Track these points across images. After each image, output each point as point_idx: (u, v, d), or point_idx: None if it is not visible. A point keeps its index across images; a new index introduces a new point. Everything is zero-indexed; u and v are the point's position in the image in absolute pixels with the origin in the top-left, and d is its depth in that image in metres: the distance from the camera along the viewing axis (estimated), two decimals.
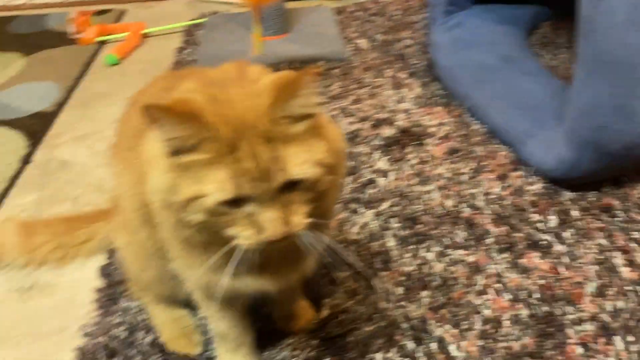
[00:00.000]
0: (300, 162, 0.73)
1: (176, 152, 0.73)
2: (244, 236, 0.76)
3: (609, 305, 1.17)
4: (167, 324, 1.16)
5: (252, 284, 0.88)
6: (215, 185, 0.72)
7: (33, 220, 1.41)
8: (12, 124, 1.92)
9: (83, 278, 1.34)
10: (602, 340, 1.11)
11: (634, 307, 1.16)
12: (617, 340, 1.10)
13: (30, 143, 1.82)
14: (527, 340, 1.11)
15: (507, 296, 1.20)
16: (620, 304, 1.17)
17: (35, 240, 1.33)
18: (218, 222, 0.75)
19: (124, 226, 1.09)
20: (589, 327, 1.13)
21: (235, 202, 0.73)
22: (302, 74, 0.72)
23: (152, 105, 0.69)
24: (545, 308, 1.17)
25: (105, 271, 1.33)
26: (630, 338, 1.10)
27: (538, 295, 1.20)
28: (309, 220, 0.77)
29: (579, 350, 1.09)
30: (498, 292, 1.21)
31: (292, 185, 0.74)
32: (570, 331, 1.13)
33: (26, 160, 1.74)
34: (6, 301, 1.30)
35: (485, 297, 1.20)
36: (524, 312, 1.17)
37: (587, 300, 1.19)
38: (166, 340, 1.14)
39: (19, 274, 1.35)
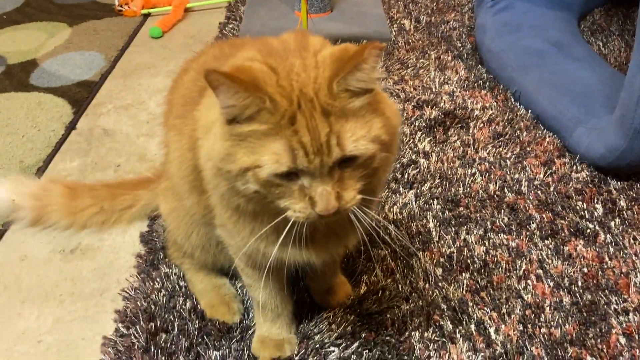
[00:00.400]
0: (357, 137, 0.72)
1: (234, 120, 0.72)
2: (295, 209, 0.75)
3: None
4: (207, 292, 1.17)
5: (298, 256, 0.88)
6: (271, 157, 0.71)
7: (78, 184, 1.43)
8: (58, 91, 1.95)
9: (124, 243, 1.36)
10: None
11: None
12: None
13: (74, 111, 1.85)
14: (569, 327, 1.09)
15: (550, 282, 1.18)
16: None
17: (80, 203, 1.35)
18: (271, 193, 0.75)
19: (171, 192, 1.10)
20: (634, 317, 1.10)
21: (290, 174, 0.73)
22: (365, 47, 0.71)
23: (213, 71, 0.68)
24: (589, 296, 1.15)
25: (146, 238, 1.34)
26: None
27: (581, 284, 1.17)
28: (360, 196, 0.77)
29: (622, 340, 1.07)
30: (540, 278, 1.19)
31: (346, 161, 0.74)
32: (614, 321, 1.10)
33: (71, 127, 1.77)
34: (50, 261, 1.33)
35: (526, 282, 1.18)
36: (567, 300, 1.15)
37: (633, 290, 1.16)
38: (205, 307, 1.15)
39: (63, 235, 1.38)
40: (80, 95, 1.92)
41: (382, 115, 0.76)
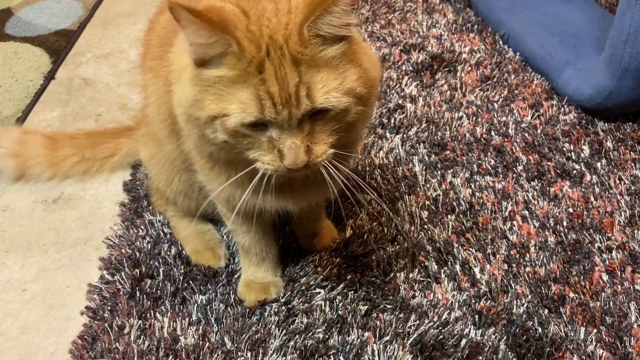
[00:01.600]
0: (329, 89, 0.70)
1: (201, 62, 0.70)
2: (264, 160, 0.74)
3: (639, 235, 1.14)
4: (192, 237, 1.17)
5: (273, 203, 0.88)
6: (237, 106, 0.70)
7: (58, 133, 1.41)
8: (35, 41, 1.89)
9: (107, 192, 1.34)
10: (630, 268, 1.09)
11: None
12: None
13: (53, 60, 1.80)
14: (553, 266, 1.10)
15: (535, 223, 1.18)
16: None
17: (61, 153, 1.32)
18: (239, 143, 0.74)
19: (151, 138, 1.08)
20: (617, 255, 1.11)
21: (258, 125, 0.71)
22: None
23: (178, 4, 0.65)
24: (573, 236, 1.15)
25: (129, 186, 1.33)
26: None
27: (566, 223, 1.18)
28: (332, 151, 0.75)
29: (605, 277, 1.08)
30: (525, 219, 1.19)
31: (318, 113, 0.72)
32: (597, 259, 1.11)
33: (50, 77, 1.73)
34: (33, 211, 1.31)
35: (512, 223, 1.18)
36: (552, 239, 1.15)
37: (617, 229, 1.16)
38: (190, 253, 1.15)
39: (45, 186, 1.36)
40: (58, 45, 1.87)
41: (359, 67, 0.73)
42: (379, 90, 1.53)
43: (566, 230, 1.16)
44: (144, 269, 1.12)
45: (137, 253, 1.15)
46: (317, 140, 0.73)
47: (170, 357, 0.98)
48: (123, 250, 1.16)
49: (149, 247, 1.17)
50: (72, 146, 1.34)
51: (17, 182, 1.36)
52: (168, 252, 1.15)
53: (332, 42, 0.70)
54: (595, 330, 0.99)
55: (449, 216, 1.20)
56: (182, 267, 1.12)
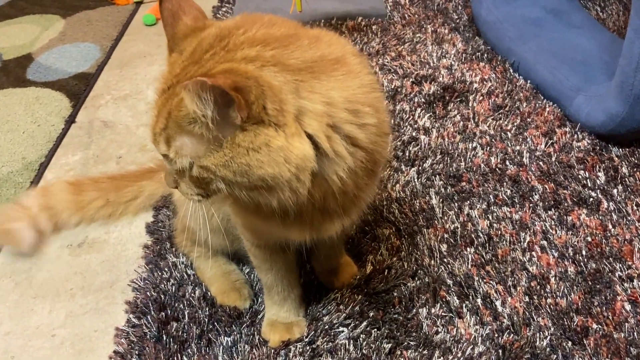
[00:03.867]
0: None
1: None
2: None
3: None
4: (217, 278, 1.18)
5: (293, 234, 0.89)
6: None
7: (81, 179, 1.44)
8: (55, 85, 1.95)
9: (131, 235, 1.37)
10: None
11: None
12: None
13: (73, 104, 1.85)
14: (574, 296, 1.10)
15: (554, 253, 1.19)
16: None
17: (85, 197, 1.36)
18: None
19: None
20: (639, 284, 1.11)
21: None
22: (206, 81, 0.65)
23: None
24: (593, 265, 1.16)
25: (152, 228, 1.35)
26: None
27: (585, 253, 1.18)
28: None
29: (628, 307, 1.08)
30: (544, 249, 1.20)
31: None
32: (618, 288, 1.11)
33: (70, 120, 1.77)
34: (59, 257, 1.34)
35: (531, 254, 1.19)
36: (571, 269, 1.15)
37: (637, 257, 1.16)
38: (216, 294, 1.17)
39: (70, 232, 1.39)
40: (77, 88, 1.92)
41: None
42: (393, 123, 1.56)
43: (585, 260, 1.17)
44: (169, 311, 1.14)
45: (162, 296, 1.17)
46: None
47: None
48: (148, 293, 1.19)
49: (174, 289, 1.19)
50: (96, 190, 1.37)
51: (54, 233, 1.39)
52: (192, 294, 1.17)
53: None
54: None
55: (468, 249, 1.21)
56: (207, 309, 1.14)
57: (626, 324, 1.05)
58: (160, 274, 1.23)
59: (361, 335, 1.06)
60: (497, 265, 1.18)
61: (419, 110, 1.60)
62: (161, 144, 0.73)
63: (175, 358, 1.06)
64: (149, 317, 1.13)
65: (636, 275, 1.13)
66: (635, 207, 1.27)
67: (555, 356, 1.01)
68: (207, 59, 0.72)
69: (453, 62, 1.78)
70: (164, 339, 1.09)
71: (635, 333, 1.03)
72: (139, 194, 1.38)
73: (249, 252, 1.05)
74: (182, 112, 0.69)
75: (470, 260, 1.19)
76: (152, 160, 1.51)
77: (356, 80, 0.76)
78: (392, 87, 1.70)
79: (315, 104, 0.70)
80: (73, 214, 1.35)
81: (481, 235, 1.24)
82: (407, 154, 1.47)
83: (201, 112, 0.66)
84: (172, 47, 0.80)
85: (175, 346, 1.08)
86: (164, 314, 1.13)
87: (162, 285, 1.20)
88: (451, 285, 1.15)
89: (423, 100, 1.64)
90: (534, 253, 1.19)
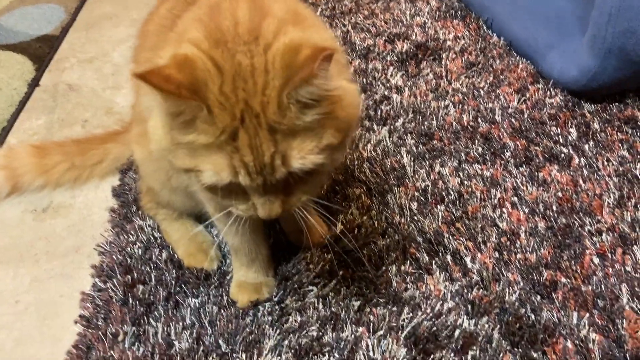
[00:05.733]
0: (305, 153, 0.68)
1: (175, 116, 0.67)
2: (238, 207, 0.76)
3: (628, 216, 1.15)
4: (184, 240, 1.16)
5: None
6: (211, 168, 0.68)
7: (46, 142, 1.40)
8: (17, 48, 1.88)
9: (97, 199, 1.34)
10: (620, 250, 1.09)
11: None
12: (636, 250, 1.09)
13: (36, 67, 1.78)
14: (544, 251, 1.10)
15: (525, 209, 1.18)
16: None
17: (49, 160, 1.31)
18: (215, 191, 0.74)
19: (143, 139, 1.07)
20: (607, 238, 1.11)
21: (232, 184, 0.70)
22: (314, 58, 0.62)
23: (143, 75, 0.62)
24: (563, 220, 1.15)
25: (118, 192, 1.32)
26: None
27: (556, 208, 1.18)
28: (306, 196, 0.76)
29: (596, 260, 1.08)
30: (515, 205, 1.19)
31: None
32: (587, 242, 1.11)
33: (34, 84, 1.72)
34: (23, 222, 1.30)
35: (501, 210, 1.18)
36: (542, 225, 1.15)
37: (606, 211, 1.16)
38: (182, 256, 1.14)
39: (34, 195, 1.35)
40: (41, 51, 1.85)
41: (337, 119, 0.69)
42: (365, 82, 1.53)
43: (556, 215, 1.16)
44: (135, 275, 1.12)
45: (129, 259, 1.15)
46: (292, 192, 0.73)
47: None
48: (114, 256, 1.16)
49: (140, 252, 1.17)
50: (61, 153, 1.33)
51: (10, 196, 1.35)
52: (159, 257, 1.15)
53: (312, 106, 0.66)
54: (587, 315, 0.99)
55: (438, 206, 1.20)
56: (174, 271, 1.12)
57: (594, 277, 1.05)
58: (126, 237, 1.20)
59: (330, 294, 1.05)
60: (467, 222, 1.17)
61: (391, 68, 1.57)
62: (278, 169, 0.68)
63: (142, 320, 1.04)
64: (114, 280, 1.11)
65: (605, 229, 1.13)
66: (605, 163, 1.27)
67: (524, 310, 1.01)
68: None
69: (426, 20, 1.75)
70: (130, 302, 1.07)
71: (602, 286, 1.04)
72: (105, 157, 1.34)
73: (212, 217, 1.03)
74: (292, 112, 0.66)
75: (440, 217, 1.18)
76: (118, 122, 1.47)
77: (327, 32, 0.79)
78: (365, 45, 1.66)
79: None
80: (37, 177, 1.31)
81: (452, 192, 1.23)
82: (378, 113, 1.44)
83: (320, 89, 0.65)
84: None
85: (142, 309, 1.06)
86: (130, 277, 1.11)
87: (129, 249, 1.17)
88: (421, 242, 1.14)
89: (396, 58, 1.61)
90: (504, 209, 1.19)
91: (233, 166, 0.67)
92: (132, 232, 1.21)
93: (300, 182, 0.72)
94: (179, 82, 0.63)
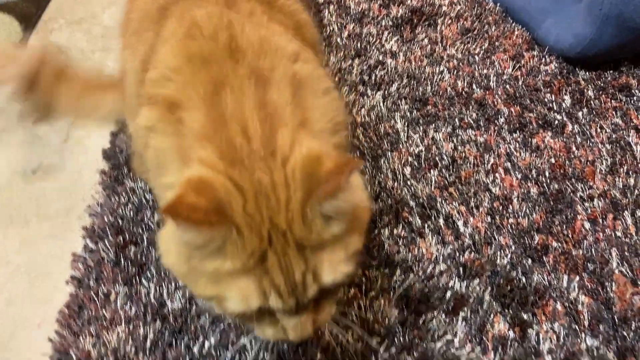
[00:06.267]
0: (335, 265, 0.63)
1: (200, 247, 0.61)
2: (265, 332, 0.70)
3: (620, 183, 1.15)
4: None
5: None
6: (238, 295, 0.62)
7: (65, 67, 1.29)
8: (4, 8, 1.83)
9: (87, 161, 1.32)
10: (611, 216, 1.10)
11: None
12: (626, 216, 1.09)
13: (24, 27, 1.74)
14: (536, 216, 1.11)
15: (517, 175, 1.18)
16: (632, 181, 1.15)
17: (62, 87, 1.21)
18: (238, 316, 0.68)
19: (129, 110, 1.05)
20: (599, 203, 1.12)
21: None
22: (341, 172, 0.58)
23: (169, 209, 0.57)
24: (556, 186, 1.16)
25: (109, 154, 1.30)
26: (639, 213, 1.09)
27: (548, 174, 1.18)
28: (335, 308, 0.72)
29: (587, 225, 1.09)
30: (508, 171, 1.19)
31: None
32: (579, 208, 1.12)
33: (22, 45, 1.68)
34: (11, 184, 1.29)
35: (494, 176, 1.19)
36: (534, 190, 1.15)
37: (598, 177, 1.17)
38: None
39: (23, 157, 1.33)
40: (28, 11, 1.81)
41: (359, 221, 0.66)
42: (360, 47, 1.51)
43: (548, 181, 1.17)
44: (127, 236, 1.11)
45: (120, 220, 1.14)
46: (321, 308, 0.69)
47: (158, 321, 0.98)
48: (105, 218, 1.15)
49: (132, 214, 1.16)
50: (73, 86, 1.23)
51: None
52: (151, 219, 1.14)
53: (336, 219, 0.62)
54: (577, 278, 1.00)
55: (431, 171, 1.20)
56: None
57: (585, 241, 1.06)
58: (117, 199, 1.19)
59: None
60: (460, 187, 1.17)
61: (386, 33, 1.55)
62: (310, 287, 0.63)
63: (134, 280, 1.04)
64: (106, 241, 1.10)
65: (597, 195, 1.13)
66: (599, 130, 1.27)
67: (515, 273, 1.02)
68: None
69: None
70: (122, 262, 1.07)
71: (593, 250, 1.04)
72: (101, 105, 1.29)
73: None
74: (317, 225, 0.61)
75: (433, 182, 1.18)
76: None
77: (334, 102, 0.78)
78: (359, 9, 1.64)
79: None
80: (47, 94, 1.20)
81: (445, 157, 1.23)
82: (373, 78, 1.43)
83: (345, 202, 0.61)
84: None
85: (134, 269, 1.06)
86: (121, 238, 1.11)
87: (120, 210, 1.16)
88: (414, 206, 1.14)
89: (391, 23, 1.58)
90: (497, 175, 1.19)
91: (263, 290, 0.62)
92: (124, 194, 1.20)
93: (328, 294, 0.68)
94: (205, 209, 0.58)
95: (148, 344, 0.96)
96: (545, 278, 1.00)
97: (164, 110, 0.72)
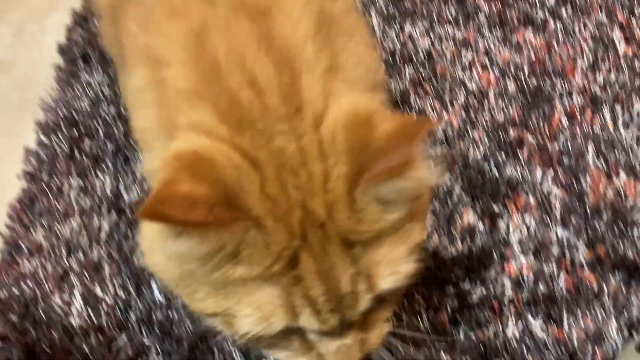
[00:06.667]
0: (396, 264, 0.47)
1: (208, 257, 0.44)
2: None
3: (601, 79, 1.10)
4: None
5: None
6: (254, 312, 0.45)
7: None
8: None
9: (41, 56, 1.24)
10: (589, 111, 1.06)
11: (626, 80, 1.10)
12: (605, 111, 1.05)
13: None
14: (512, 112, 1.06)
15: (496, 71, 1.13)
16: (612, 77, 1.10)
17: None
18: (253, 342, 0.50)
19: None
20: (578, 99, 1.08)
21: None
22: (414, 132, 0.43)
23: (153, 212, 0.41)
24: (534, 82, 1.11)
25: (64, 48, 1.22)
26: (618, 108, 1.05)
27: (528, 70, 1.13)
28: (388, 326, 0.53)
29: (564, 121, 1.05)
30: (486, 67, 1.14)
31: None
32: (557, 103, 1.07)
33: None
34: None
35: (471, 72, 1.13)
36: (512, 86, 1.10)
37: (578, 74, 1.12)
38: None
39: None
40: None
41: (423, 206, 0.50)
42: None
43: (527, 77, 1.11)
44: (82, 129, 1.05)
45: (75, 114, 1.08)
46: (372, 325, 0.51)
47: (114, 214, 0.94)
48: (60, 112, 1.09)
49: (88, 107, 1.09)
50: None
51: None
52: (108, 112, 1.08)
53: (398, 204, 0.46)
54: (552, 171, 0.97)
55: (406, 67, 1.14)
56: (123, 127, 1.05)
57: (561, 135, 1.02)
58: (72, 92, 1.12)
59: None
60: (435, 83, 1.12)
61: None
62: (362, 298, 0.47)
63: (89, 173, 0.99)
64: (60, 135, 1.05)
65: (576, 90, 1.09)
66: (582, 27, 1.20)
67: (487, 165, 0.98)
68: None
69: None
70: (77, 155, 1.02)
71: (569, 144, 1.01)
72: None
73: None
74: (370, 213, 0.45)
75: (407, 77, 1.12)
76: None
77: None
78: None
79: None
80: None
81: (421, 53, 1.16)
82: None
83: (413, 181, 0.45)
84: None
85: (90, 162, 1.01)
86: (76, 131, 1.05)
87: (75, 104, 1.10)
88: (386, 102, 1.08)
89: None
90: (474, 71, 1.13)
91: (291, 305, 0.45)
92: (79, 88, 1.13)
93: (381, 306, 0.50)
94: (207, 201, 0.41)
95: (103, 235, 0.92)
96: (519, 171, 0.97)
97: (148, 69, 0.54)
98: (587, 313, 0.82)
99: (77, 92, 1.12)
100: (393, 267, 0.46)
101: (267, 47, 0.48)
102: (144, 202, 0.41)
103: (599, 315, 0.82)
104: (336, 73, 0.50)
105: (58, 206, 0.95)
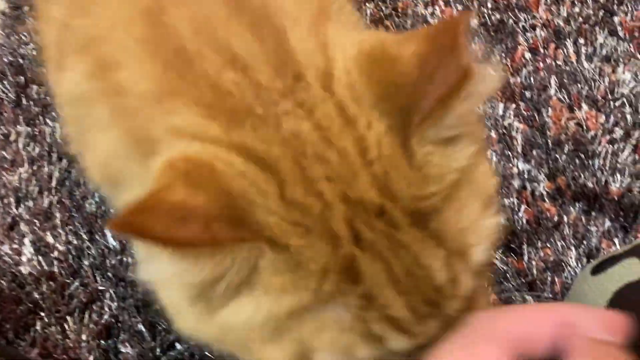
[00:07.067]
0: (479, 227, 0.37)
1: (211, 284, 0.35)
2: None
3: (565, 12, 1.08)
4: None
5: None
6: (330, 347, 0.35)
7: None
8: None
9: None
10: (553, 45, 1.04)
11: (590, 12, 1.08)
12: (568, 45, 1.03)
13: None
14: (475, 47, 1.04)
15: (458, 6, 1.10)
16: (577, 9, 1.08)
17: None
18: None
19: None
20: (541, 33, 1.05)
21: None
22: (457, 30, 0.34)
23: (126, 224, 0.31)
24: (497, 16, 1.08)
25: None
26: (581, 41, 1.04)
27: (491, 5, 1.10)
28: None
29: (527, 55, 1.03)
30: (448, 3, 1.11)
31: None
32: (520, 38, 1.05)
33: None
34: None
35: (434, 8, 1.10)
36: (475, 21, 1.08)
37: (542, 7, 1.09)
38: None
39: None
40: None
41: (479, 135, 0.39)
42: None
43: (490, 12, 1.09)
44: (29, 75, 1.01)
45: (21, 60, 1.04)
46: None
47: (64, 160, 0.91)
48: (5, 59, 1.04)
49: (35, 53, 1.04)
50: None
51: None
52: None
53: (462, 136, 0.36)
54: (514, 105, 0.96)
55: (367, 4, 1.11)
56: None
57: (524, 70, 1.00)
58: (18, 38, 1.07)
59: None
60: (396, 19, 1.09)
61: None
62: (462, 280, 0.36)
63: (37, 120, 0.96)
64: (5, 82, 1.00)
65: (539, 24, 1.07)
66: None
67: None
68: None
69: None
70: (24, 102, 0.98)
71: (531, 78, 0.99)
72: None
73: None
74: (436, 165, 0.35)
75: (368, 15, 1.09)
76: None
77: None
78: None
79: None
80: None
81: None
82: None
83: (476, 97, 0.37)
84: None
85: (37, 109, 0.97)
86: (23, 77, 1.00)
87: (21, 50, 1.05)
88: None
89: None
90: (436, 7, 1.10)
91: (370, 334, 0.34)
92: (25, 34, 1.07)
93: (479, 287, 0.38)
94: (205, 214, 0.31)
95: (54, 182, 0.89)
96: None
97: (94, 70, 0.42)
98: (547, 244, 0.82)
99: (23, 37, 1.07)
100: (480, 231, 0.36)
101: (237, 10, 0.39)
102: (122, 213, 0.32)
103: (559, 245, 0.82)
104: (326, 15, 0.40)
105: (5, 155, 0.91)
